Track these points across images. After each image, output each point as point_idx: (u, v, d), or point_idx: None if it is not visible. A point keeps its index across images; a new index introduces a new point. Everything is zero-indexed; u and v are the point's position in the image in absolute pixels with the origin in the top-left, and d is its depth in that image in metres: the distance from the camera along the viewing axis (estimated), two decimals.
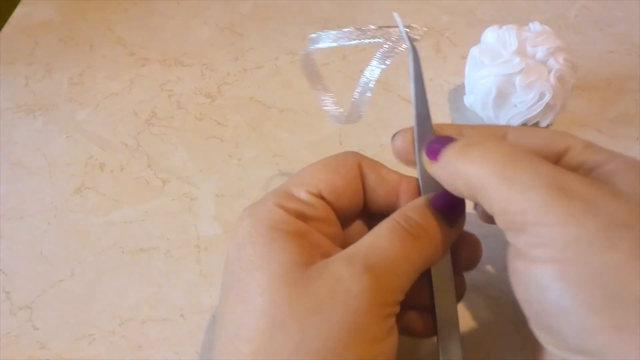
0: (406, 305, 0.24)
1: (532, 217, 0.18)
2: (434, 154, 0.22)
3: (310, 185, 0.23)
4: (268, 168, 0.41)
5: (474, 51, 0.42)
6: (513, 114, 0.40)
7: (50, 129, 0.45)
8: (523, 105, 0.39)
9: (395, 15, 0.25)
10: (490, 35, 0.42)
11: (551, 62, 0.39)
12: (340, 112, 0.29)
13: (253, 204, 0.24)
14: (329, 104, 0.30)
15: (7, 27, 0.54)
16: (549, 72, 0.39)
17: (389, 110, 0.45)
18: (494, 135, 0.24)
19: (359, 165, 0.25)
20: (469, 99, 0.43)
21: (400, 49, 0.25)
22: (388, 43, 0.25)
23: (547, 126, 0.41)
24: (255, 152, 0.42)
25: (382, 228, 0.22)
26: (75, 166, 0.42)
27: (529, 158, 0.19)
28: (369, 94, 0.26)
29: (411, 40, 0.25)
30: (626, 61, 0.48)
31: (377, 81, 0.49)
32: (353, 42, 0.25)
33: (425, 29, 0.25)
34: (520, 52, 0.40)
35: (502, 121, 0.41)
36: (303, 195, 0.23)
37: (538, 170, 0.18)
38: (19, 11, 0.55)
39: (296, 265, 0.20)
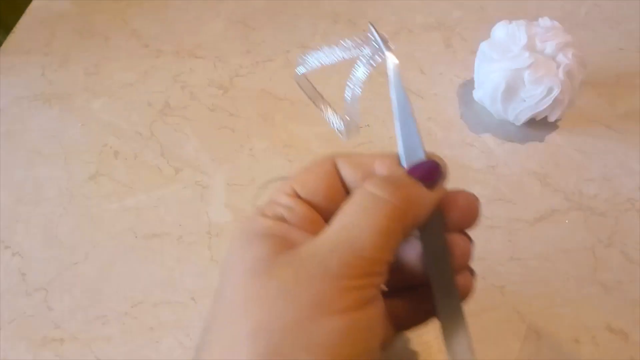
0: (391, 290, 0.24)
1: None
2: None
3: (287, 188, 0.24)
4: (278, 158, 0.42)
5: (484, 46, 0.42)
6: (521, 109, 0.41)
7: (66, 117, 0.45)
8: (531, 99, 0.40)
9: (370, 25, 0.26)
10: (500, 30, 0.42)
11: (560, 57, 0.40)
12: (341, 128, 0.30)
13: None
14: (334, 120, 0.31)
15: (24, 18, 0.55)
16: (558, 67, 0.39)
17: None
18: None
19: (333, 162, 0.25)
20: (478, 93, 0.43)
21: (377, 57, 0.26)
22: (364, 55, 0.26)
23: (556, 121, 0.42)
24: (266, 142, 0.43)
25: (348, 203, 0.22)
26: (90, 154, 0.43)
27: None
28: (357, 105, 0.27)
29: (387, 46, 0.25)
30: (636, 58, 0.48)
31: (383, 74, 0.50)
32: (336, 60, 0.27)
33: (393, 47, 0.26)
34: (530, 47, 0.40)
35: (511, 115, 0.41)
36: (282, 199, 0.24)
37: None
38: (36, 3, 0.56)
39: (265, 258, 0.21)
